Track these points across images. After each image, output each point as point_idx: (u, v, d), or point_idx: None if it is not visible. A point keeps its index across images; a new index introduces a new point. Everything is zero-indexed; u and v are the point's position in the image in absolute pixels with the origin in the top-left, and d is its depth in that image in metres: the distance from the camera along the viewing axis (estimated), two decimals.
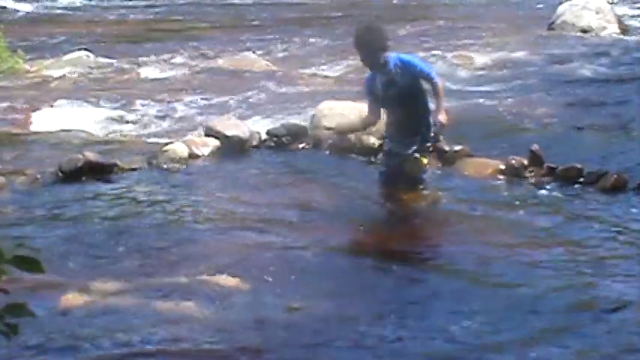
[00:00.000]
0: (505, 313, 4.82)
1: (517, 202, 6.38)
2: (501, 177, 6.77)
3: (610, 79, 9.99)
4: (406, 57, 6.55)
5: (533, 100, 9.09)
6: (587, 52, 11.24)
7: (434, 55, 10.99)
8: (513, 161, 6.80)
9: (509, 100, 9.15)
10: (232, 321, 4.75)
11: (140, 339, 4.53)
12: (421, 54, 10.57)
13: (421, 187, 6.52)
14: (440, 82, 6.46)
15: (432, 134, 6.51)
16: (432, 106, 6.51)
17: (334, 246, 5.72)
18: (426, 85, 6.46)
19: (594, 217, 6.14)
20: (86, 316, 4.78)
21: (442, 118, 6.39)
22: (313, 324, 4.74)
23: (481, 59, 10.83)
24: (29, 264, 2.25)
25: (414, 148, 6.44)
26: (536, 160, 6.78)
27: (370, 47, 6.38)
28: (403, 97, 6.39)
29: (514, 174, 6.76)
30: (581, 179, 6.64)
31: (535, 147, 6.84)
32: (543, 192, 6.56)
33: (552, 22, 12.62)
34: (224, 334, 4.62)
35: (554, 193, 6.52)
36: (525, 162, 6.79)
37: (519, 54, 11.15)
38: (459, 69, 10.48)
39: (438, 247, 5.90)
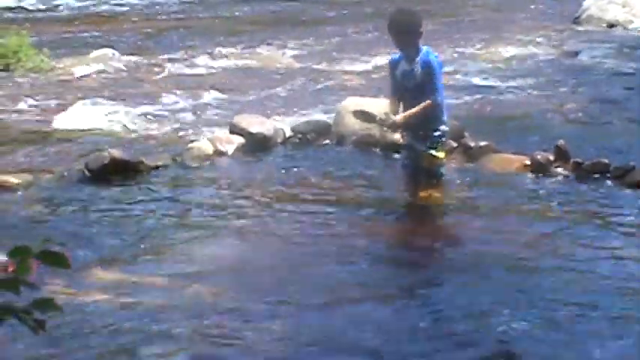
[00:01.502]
0: (532, 305, 4.81)
1: (543, 198, 6.36)
2: (527, 172, 6.74)
3: (636, 74, 9.92)
4: (433, 58, 6.43)
5: (559, 95, 9.05)
6: (613, 46, 11.16)
7: (458, 50, 10.97)
8: (539, 157, 6.77)
9: (535, 95, 9.12)
10: (264, 317, 4.76)
11: (161, 337, 4.55)
12: (446, 48, 10.56)
13: (441, 182, 6.49)
14: (431, 102, 6.27)
15: (440, 131, 6.40)
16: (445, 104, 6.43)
17: (361, 241, 5.72)
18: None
19: (621, 212, 6.12)
20: (111, 311, 4.81)
21: (399, 117, 6.33)
22: (344, 318, 4.75)
23: (506, 54, 10.78)
24: (56, 259, 2.26)
25: (428, 144, 6.39)
26: (562, 155, 6.75)
27: (405, 29, 6.32)
28: (419, 90, 6.30)
29: (540, 169, 6.73)
30: (608, 174, 6.60)
31: (561, 142, 6.80)
32: (569, 187, 6.53)
33: (578, 17, 12.54)
34: (255, 332, 4.63)
35: (581, 189, 6.49)
36: (551, 157, 6.76)
37: (544, 48, 11.09)
38: (483, 63, 10.43)
39: (463, 243, 5.88)
